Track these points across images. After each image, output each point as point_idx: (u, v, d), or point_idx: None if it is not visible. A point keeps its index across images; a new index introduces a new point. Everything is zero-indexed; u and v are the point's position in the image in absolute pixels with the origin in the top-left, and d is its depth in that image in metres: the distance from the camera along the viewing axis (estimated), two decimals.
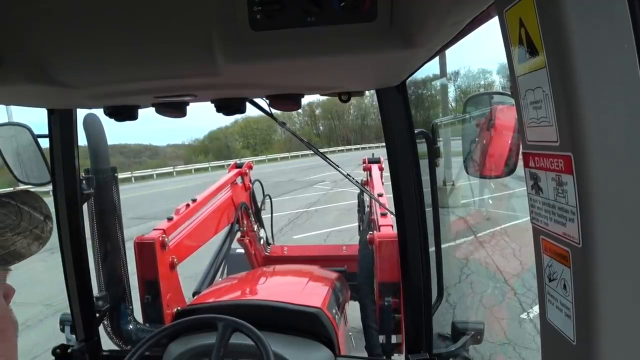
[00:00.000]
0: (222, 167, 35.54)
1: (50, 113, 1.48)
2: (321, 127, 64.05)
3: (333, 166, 1.85)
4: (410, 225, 1.42)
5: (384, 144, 1.42)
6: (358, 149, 44.86)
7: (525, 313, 4.39)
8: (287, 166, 32.18)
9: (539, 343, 0.52)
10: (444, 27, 0.72)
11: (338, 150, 44.79)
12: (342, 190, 15.09)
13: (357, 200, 4.33)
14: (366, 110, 58.39)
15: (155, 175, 32.89)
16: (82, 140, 1.61)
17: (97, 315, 1.77)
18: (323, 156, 1.85)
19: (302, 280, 2.21)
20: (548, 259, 0.50)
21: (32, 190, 0.66)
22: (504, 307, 4.70)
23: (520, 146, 0.54)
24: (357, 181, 2.23)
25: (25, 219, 0.60)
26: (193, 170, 36.58)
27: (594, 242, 0.42)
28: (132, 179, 30.55)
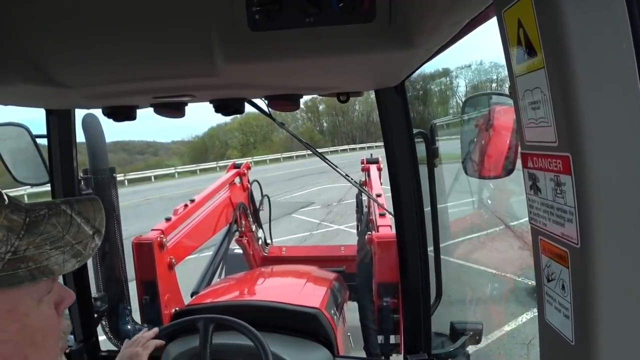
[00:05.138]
0: (195, 172, 29.58)
1: (49, 113, 1.48)
2: (325, 124, 61.07)
3: (331, 166, 1.84)
4: (408, 226, 1.42)
5: None
6: (364, 148, 36.73)
7: None
8: (275, 171, 23.80)
9: None
10: (442, 28, 0.72)
11: (341, 150, 40.35)
12: (336, 229, 8.88)
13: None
14: (372, 106, 55.69)
15: None
16: (80, 138, 1.59)
17: (96, 315, 1.77)
18: (322, 157, 1.84)
19: (301, 280, 2.20)
20: (547, 259, 0.50)
21: (96, 199, 0.60)
22: None
23: (519, 146, 0.54)
24: (355, 182, 2.23)
25: (72, 231, 0.53)
26: (153, 178, 27.62)
27: (592, 242, 0.42)
28: None
